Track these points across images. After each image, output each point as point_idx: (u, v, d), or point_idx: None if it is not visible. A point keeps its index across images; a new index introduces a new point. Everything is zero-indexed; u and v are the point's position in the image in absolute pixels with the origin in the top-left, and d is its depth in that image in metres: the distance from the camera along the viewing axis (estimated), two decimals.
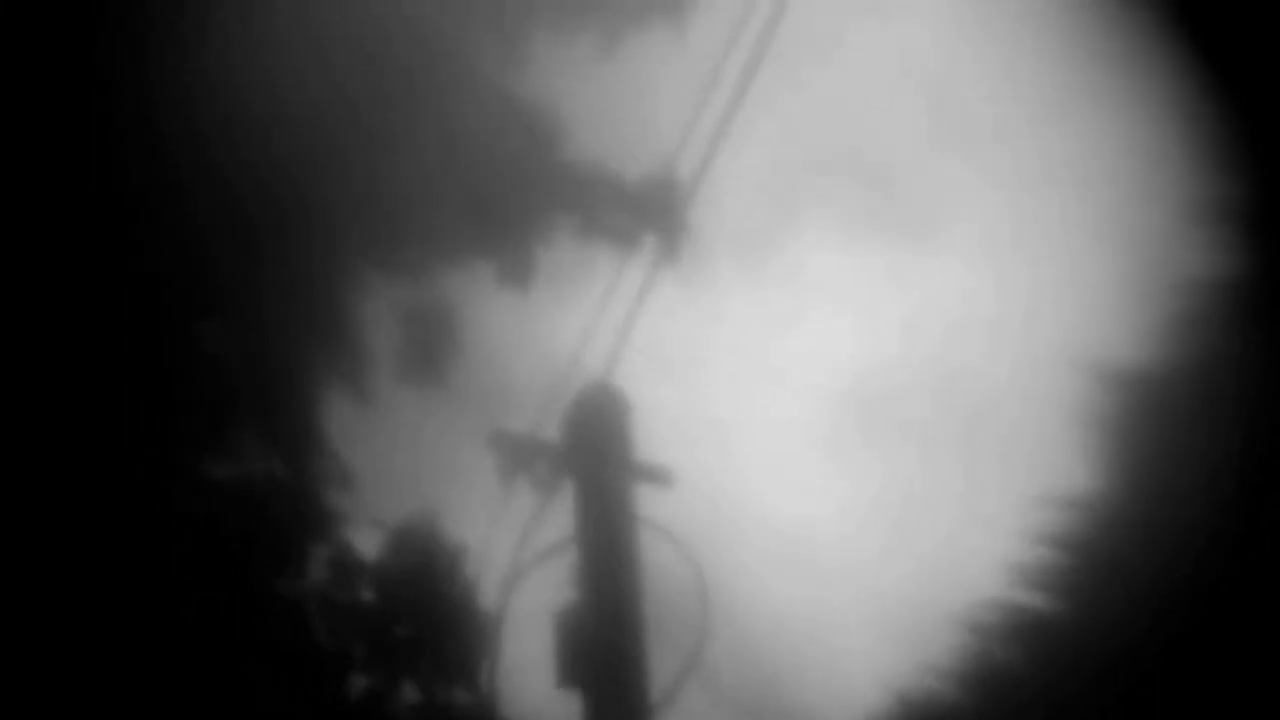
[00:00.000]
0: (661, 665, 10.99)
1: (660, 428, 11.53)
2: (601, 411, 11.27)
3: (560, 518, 11.32)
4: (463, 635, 18.68)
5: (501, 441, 11.31)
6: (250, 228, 15.60)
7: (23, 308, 15.68)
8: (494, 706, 11.23)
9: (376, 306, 15.48)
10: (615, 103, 17.07)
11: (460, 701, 18.77)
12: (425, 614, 18.58)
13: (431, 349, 15.51)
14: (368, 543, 18.51)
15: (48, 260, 15.77)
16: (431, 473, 14.84)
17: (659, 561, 11.14)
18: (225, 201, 15.82)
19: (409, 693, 18.88)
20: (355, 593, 18.66)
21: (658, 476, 11.43)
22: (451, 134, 16.74)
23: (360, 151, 16.29)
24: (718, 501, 12.26)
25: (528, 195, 17.06)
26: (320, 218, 15.67)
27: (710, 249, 13.44)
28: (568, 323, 12.58)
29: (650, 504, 11.28)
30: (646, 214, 13.32)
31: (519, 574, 11.27)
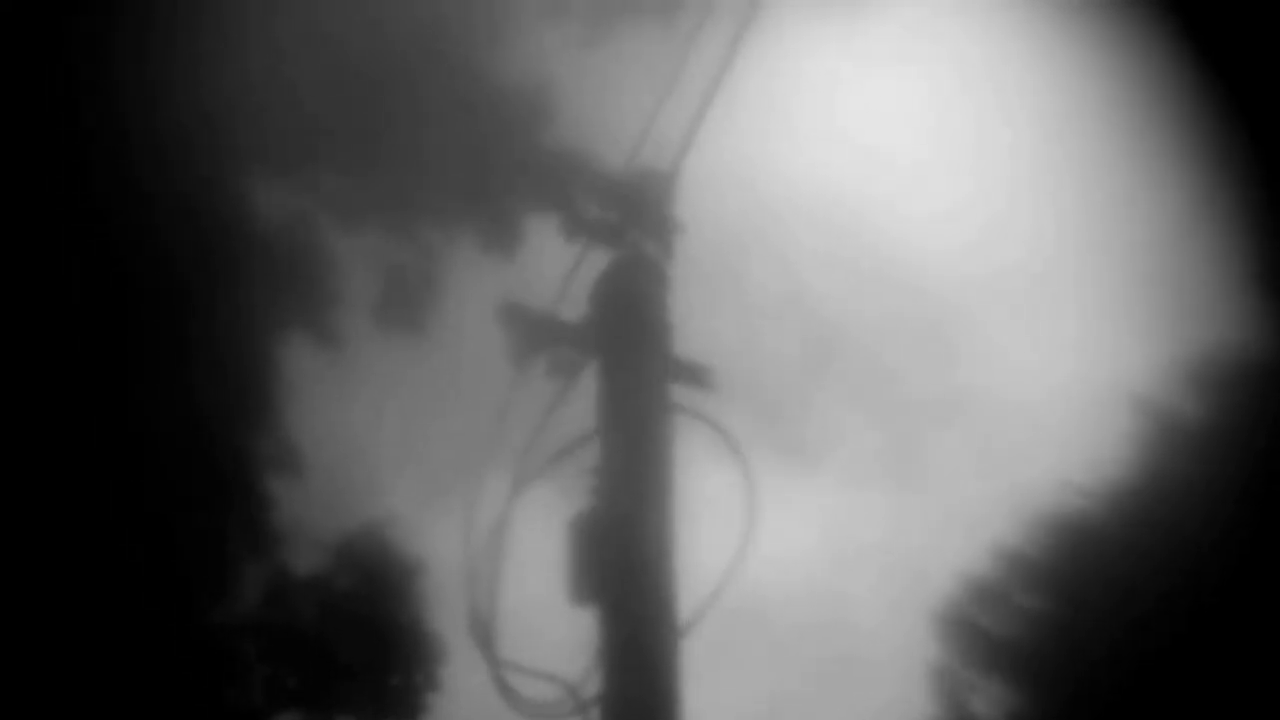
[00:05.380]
0: (695, 579, 9.28)
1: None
2: (635, 285, 9.67)
3: (579, 410, 9.66)
4: (410, 662, 16.79)
5: (515, 316, 9.65)
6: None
7: None
8: (489, 632, 9.42)
9: (351, 254, 13.96)
10: (599, 91, 16.07)
11: None
12: (369, 638, 16.69)
13: (410, 298, 13.87)
14: (311, 554, 16.70)
15: None
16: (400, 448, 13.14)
17: (696, 458, 9.49)
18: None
19: None
20: (292, 614, 16.76)
21: (697, 376, 9.79)
22: (436, 114, 15.55)
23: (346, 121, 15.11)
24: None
25: (510, 174, 15.76)
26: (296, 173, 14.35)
27: None
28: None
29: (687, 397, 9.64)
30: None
31: (530, 476, 9.55)
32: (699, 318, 9.65)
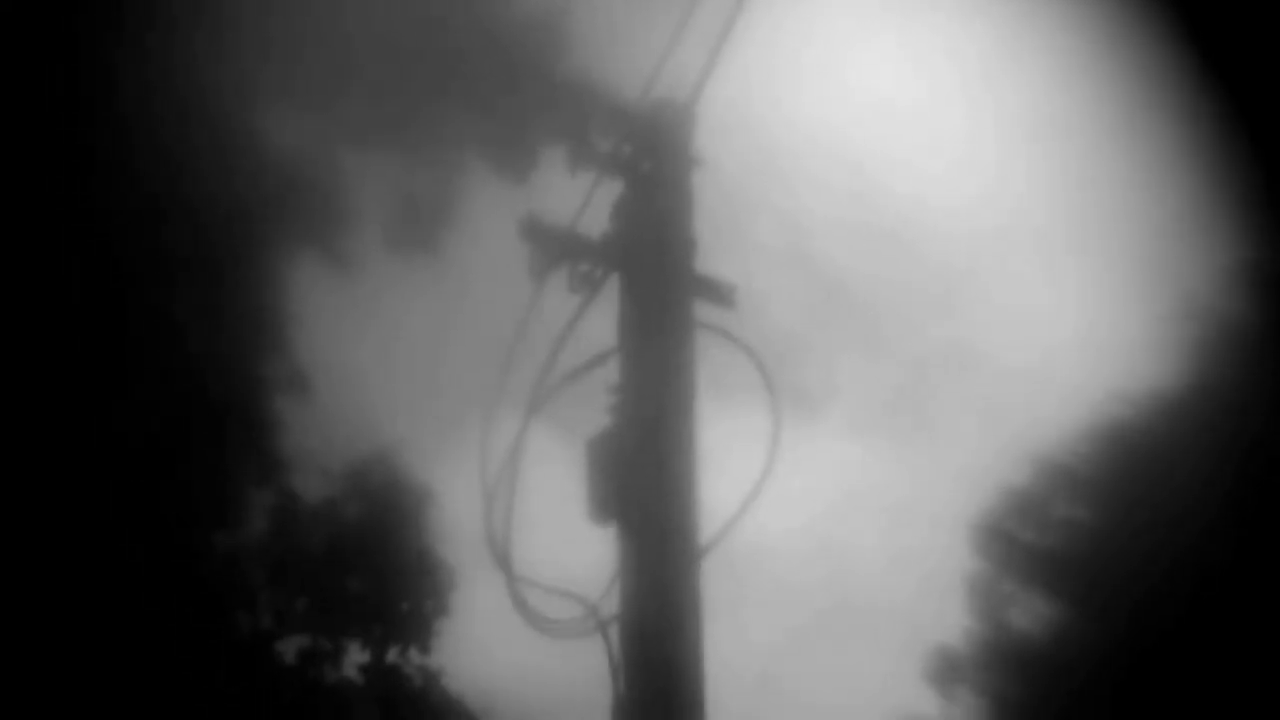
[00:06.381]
0: (716, 498, 9.16)
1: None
2: (657, 200, 9.51)
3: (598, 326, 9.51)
4: (420, 588, 16.67)
5: (535, 230, 9.49)
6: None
7: None
8: (506, 549, 9.29)
9: (363, 177, 13.76)
10: (614, 23, 15.90)
11: (413, 665, 16.72)
12: (378, 564, 16.56)
13: (423, 220, 13.68)
14: (320, 480, 16.55)
15: None
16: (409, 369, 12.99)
17: (719, 373, 9.35)
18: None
19: (354, 655, 16.82)
20: (299, 541, 16.64)
21: (721, 293, 9.64)
22: (454, 39, 15.36)
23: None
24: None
25: (526, 101, 15.57)
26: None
27: None
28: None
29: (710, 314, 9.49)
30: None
31: (548, 393, 9.40)
32: (703, 260, 9.49)
